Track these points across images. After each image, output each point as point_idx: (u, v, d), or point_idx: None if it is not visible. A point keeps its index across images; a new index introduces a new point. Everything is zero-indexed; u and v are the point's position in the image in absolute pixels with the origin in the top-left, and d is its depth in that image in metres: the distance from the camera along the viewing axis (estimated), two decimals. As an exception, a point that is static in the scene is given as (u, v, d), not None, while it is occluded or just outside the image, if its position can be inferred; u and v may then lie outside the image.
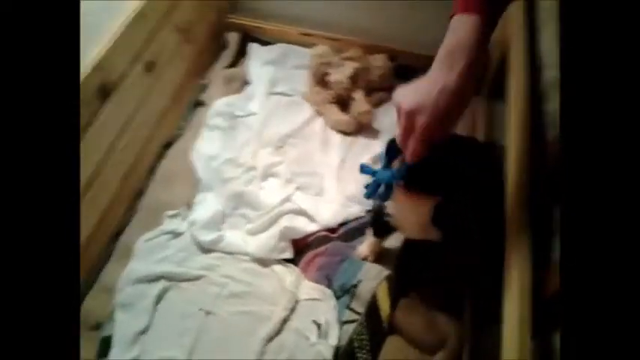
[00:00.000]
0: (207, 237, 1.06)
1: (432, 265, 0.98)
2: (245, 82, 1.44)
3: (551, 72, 0.87)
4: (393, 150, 0.71)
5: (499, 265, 0.71)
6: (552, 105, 0.82)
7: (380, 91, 1.37)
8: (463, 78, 0.57)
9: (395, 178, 0.72)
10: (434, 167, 0.68)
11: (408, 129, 0.62)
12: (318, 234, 1.08)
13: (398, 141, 0.66)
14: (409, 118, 0.60)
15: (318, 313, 0.97)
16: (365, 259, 1.04)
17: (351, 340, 0.93)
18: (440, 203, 0.74)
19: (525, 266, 0.65)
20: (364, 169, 0.76)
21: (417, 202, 0.76)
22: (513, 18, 1.05)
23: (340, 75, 1.29)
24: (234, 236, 1.08)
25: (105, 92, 1.01)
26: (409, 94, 0.60)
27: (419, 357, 0.91)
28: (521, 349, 0.59)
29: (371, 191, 0.75)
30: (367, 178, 0.76)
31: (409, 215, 0.82)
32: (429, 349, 0.91)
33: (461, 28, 0.58)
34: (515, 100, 0.87)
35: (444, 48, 0.59)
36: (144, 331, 0.96)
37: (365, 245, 1.04)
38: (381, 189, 0.74)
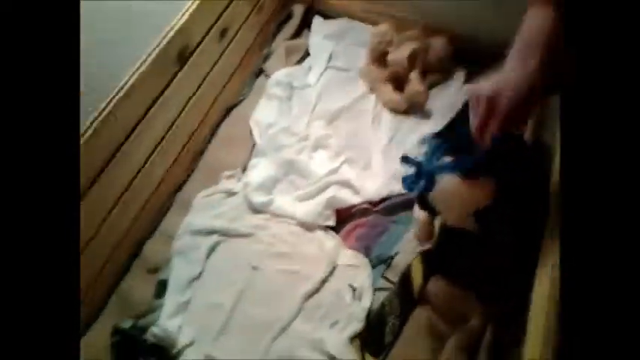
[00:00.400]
0: (259, 199, 1.15)
1: (465, 255, 1.02)
2: (306, 55, 1.50)
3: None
4: (440, 144, 0.75)
5: (528, 270, 0.74)
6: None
7: (436, 74, 1.39)
8: (539, 68, 0.59)
9: (456, 167, 0.75)
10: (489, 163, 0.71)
11: (486, 116, 0.65)
12: (360, 206, 1.14)
13: (473, 130, 0.69)
14: (489, 103, 0.63)
15: (354, 278, 1.04)
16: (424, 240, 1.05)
17: (382, 305, 1.00)
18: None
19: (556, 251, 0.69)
20: (408, 160, 0.79)
21: (469, 190, 0.79)
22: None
23: (399, 54, 1.32)
24: (284, 201, 1.16)
25: (183, 57, 1.11)
26: (486, 84, 0.64)
27: (443, 328, 0.97)
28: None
29: (411, 182, 0.79)
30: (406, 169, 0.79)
31: (455, 202, 0.85)
32: (454, 322, 0.96)
33: (535, 20, 0.60)
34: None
35: (520, 41, 0.61)
36: (196, 278, 1.06)
37: (420, 228, 1.05)
38: (422, 181, 0.78)
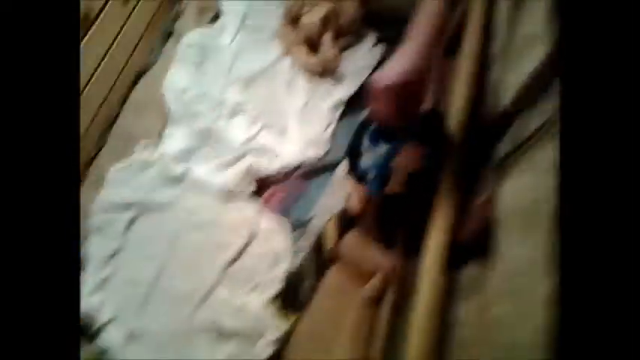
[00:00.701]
0: (176, 169, 1.13)
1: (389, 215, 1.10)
2: (218, 14, 1.45)
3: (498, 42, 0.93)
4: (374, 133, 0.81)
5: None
6: (495, 74, 0.89)
7: (347, 35, 1.41)
8: (425, 48, 0.65)
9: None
10: None
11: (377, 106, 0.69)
12: (279, 172, 1.17)
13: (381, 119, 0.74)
14: (389, 92, 0.67)
15: (275, 242, 1.08)
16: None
17: (300, 266, 1.05)
18: None
19: (450, 212, 0.76)
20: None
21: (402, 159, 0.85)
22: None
23: (311, 18, 1.32)
24: (202, 170, 1.16)
25: (86, 24, 1.04)
26: (383, 74, 0.67)
27: (355, 283, 1.04)
28: (436, 281, 0.71)
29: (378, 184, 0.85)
30: None
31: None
32: (364, 277, 1.04)
33: (425, 12, 0.66)
34: (464, 66, 0.94)
35: (411, 31, 0.66)
36: (115, 254, 1.05)
37: (353, 197, 1.08)
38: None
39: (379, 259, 1.06)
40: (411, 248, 1.05)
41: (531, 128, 0.61)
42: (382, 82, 0.66)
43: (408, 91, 0.66)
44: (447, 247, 0.74)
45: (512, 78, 0.71)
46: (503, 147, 0.71)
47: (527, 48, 0.67)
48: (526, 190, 0.52)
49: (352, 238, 1.09)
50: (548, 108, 0.60)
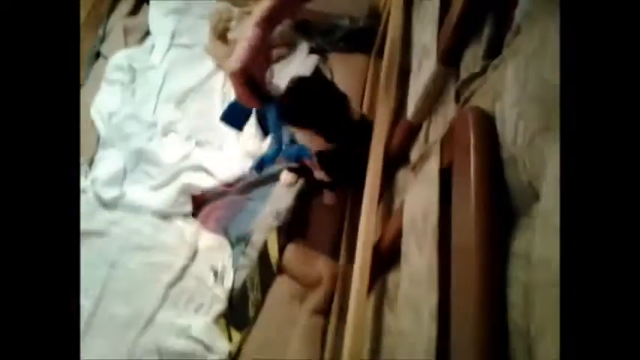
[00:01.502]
0: (109, 194, 1.12)
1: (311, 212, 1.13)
2: (147, 33, 1.44)
3: (418, 44, 0.97)
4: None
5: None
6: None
7: (280, 47, 1.43)
8: (256, 26, 0.74)
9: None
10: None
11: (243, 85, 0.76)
12: (216, 188, 1.18)
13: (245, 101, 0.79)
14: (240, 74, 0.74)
15: (216, 260, 1.09)
16: (291, 184, 1.15)
17: (244, 282, 1.06)
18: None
19: (372, 221, 0.79)
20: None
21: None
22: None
23: (239, 32, 1.33)
24: (136, 192, 1.15)
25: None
26: (228, 63, 0.75)
27: (301, 293, 1.06)
28: (362, 287, 0.73)
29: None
30: None
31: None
32: (310, 287, 1.06)
33: None
34: (387, 61, 0.98)
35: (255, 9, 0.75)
36: (51, 284, 1.03)
37: (286, 174, 1.16)
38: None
39: (322, 266, 1.08)
40: (351, 253, 1.09)
41: (430, 140, 0.65)
42: (229, 70, 0.75)
43: (249, 70, 0.75)
44: (371, 252, 0.77)
45: (413, 87, 0.75)
46: (412, 156, 0.75)
47: (424, 59, 0.70)
48: (419, 201, 0.55)
49: (295, 247, 1.11)
50: (440, 122, 0.64)
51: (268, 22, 0.76)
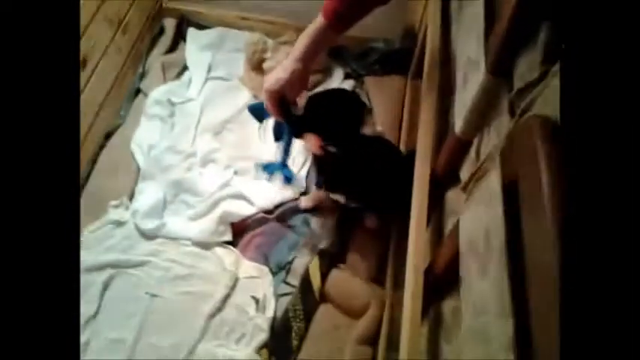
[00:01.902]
0: (149, 225, 1.12)
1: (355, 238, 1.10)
2: (184, 68, 1.47)
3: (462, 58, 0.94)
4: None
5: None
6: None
7: (315, 73, 1.43)
8: (297, 61, 0.84)
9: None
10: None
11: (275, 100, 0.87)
12: (255, 216, 1.16)
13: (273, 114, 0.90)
14: (274, 93, 0.86)
15: (256, 289, 1.06)
16: (307, 210, 1.15)
17: (286, 311, 1.03)
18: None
19: (422, 245, 0.75)
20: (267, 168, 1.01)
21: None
22: (431, 7, 1.11)
23: (274, 62, 1.34)
24: (176, 222, 1.14)
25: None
26: (265, 81, 0.87)
27: (347, 322, 1.02)
28: (414, 317, 0.69)
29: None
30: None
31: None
32: (355, 315, 1.02)
33: (312, 26, 0.83)
34: (427, 80, 0.95)
35: (300, 39, 0.85)
36: (93, 317, 1.02)
37: (308, 196, 1.17)
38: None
39: (368, 293, 1.04)
40: (398, 279, 1.05)
41: (482, 156, 0.61)
42: (265, 86, 0.86)
43: (282, 91, 0.86)
44: (423, 281, 0.72)
45: (460, 101, 0.71)
46: (463, 174, 0.71)
47: (470, 72, 0.67)
48: (479, 221, 0.52)
49: (338, 275, 1.08)
50: (494, 136, 0.60)
51: (308, 57, 0.85)
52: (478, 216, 0.52)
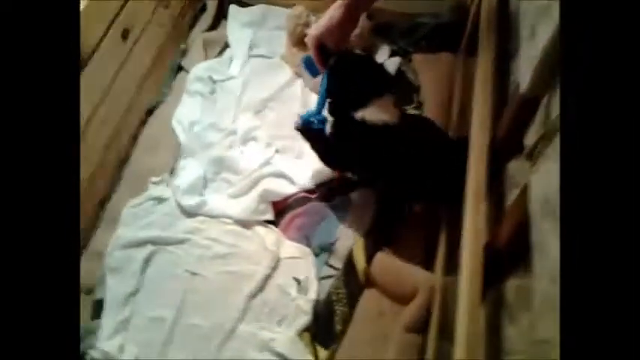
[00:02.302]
0: (190, 202, 1.09)
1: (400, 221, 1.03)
2: (225, 45, 1.44)
3: (516, 30, 0.87)
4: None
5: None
6: (516, 62, 0.83)
7: (359, 49, 1.37)
8: (338, 8, 0.88)
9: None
10: None
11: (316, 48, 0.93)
12: (297, 195, 1.11)
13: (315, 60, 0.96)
14: (316, 40, 0.91)
15: (298, 270, 1.02)
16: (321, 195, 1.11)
17: (329, 294, 0.98)
18: None
19: (480, 220, 0.69)
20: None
21: None
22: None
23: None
24: (217, 200, 1.11)
25: (80, 63, 1.02)
26: (311, 29, 0.93)
27: (393, 308, 0.96)
28: (474, 299, 0.62)
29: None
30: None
31: None
32: (402, 300, 0.96)
33: None
34: (482, 58, 0.88)
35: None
36: (134, 293, 1.01)
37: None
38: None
39: (417, 278, 0.98)
40: (450, 262, 0.98)
41: (553, 114, 0.54)
42: (309, 34, 0.92)
43: (323, 40, 0.90)
44: (483, 258, 0.65)
45: (526, 57, 0.64)
46: (530, 137, 0.63)
47: (539, 21, 0.60)
48: (555, 179, 0.44)
49: (384, 258, 1.02)
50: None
51: (351, 4, 0.88)
52: (553, 174, 0.45)
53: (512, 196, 0.71)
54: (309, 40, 0.90)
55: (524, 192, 0.54)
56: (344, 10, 0.87)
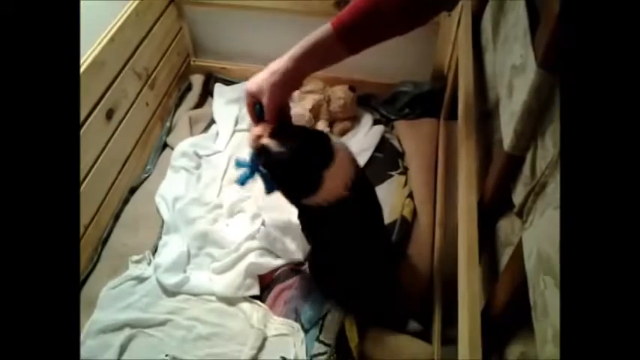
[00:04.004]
0: (171, 280, 1.04)
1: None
2: (211, 122, 1.46)
3: (493, 92, 0.88)
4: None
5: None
6: (498, 121, 0.83)
7: (343, 120, 1.39)
8: (294, 62, 0.72)
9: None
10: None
11: (249, 105, 0.79)
12: (284, 268, 1.07)
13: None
14: (250, 96, 0.78)
15: (287, 349, 0.95)
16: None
17: (321, 374, 0.91)
18: None
19: (476, 284, 0.65)
20: (240, 164, 0.84)
21: None
22: (461, 42, 1.07)
23: (301, 109, 1.31)
24: (200, 277, 1.06)
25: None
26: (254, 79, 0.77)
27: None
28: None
29: (245, 178, 0.84)
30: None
31: None
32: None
33: (316, 31, 0.72)
34: (463, 120, 0.88)
35: (302, 41, 0.73)
36: (108, 383, 0.93)
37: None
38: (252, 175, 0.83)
39: (414, 349, 0.91)
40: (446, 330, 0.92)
41: (538, 172, 0.53)
42: (244, 88, 0.79)
43: (262, 96, 0.76)
44: (479, 323, 0.61)
45: (506, 115, 0.64)
46: (518, 194, 0.61)
47: (516, 78, 0.60)
48: (554, 227, 0.42)
49: (377, 331, 0.96)
50: (549, 145, 0.52)
51: (303, 60, 0.73)
52: (547, 225, 0.43)
53: (504, 255, 0.67)
54: (244, 95, 0.78)
55: (516, 254, 0.51)
56: (295, 64, 0.72)
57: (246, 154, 1.31)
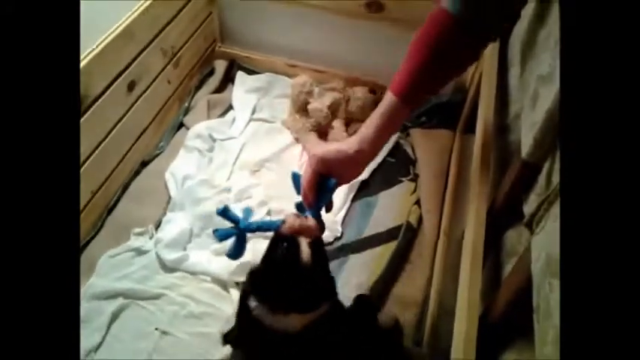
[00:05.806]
0: (170, 255, 1.04)
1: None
2: (229, 108, 1.47)
3: (515, 106, 0.88)
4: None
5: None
6: (515, 136, 0.83)
7: (359, 122, 1.39)
8: (370, 146, 0.68)
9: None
10: None
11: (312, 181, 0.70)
12: (284, 257, 1.06)
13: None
14: (314, 162, 0.69)
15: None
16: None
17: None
18: None
19: (475, 288, 0.64)
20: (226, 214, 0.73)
21: None
22: (487, 58, 1.07)
23: (320, 104, 1.31)
24: (199, 256, 1.06)
25: (84, 104, 1.02)
26: (324, 145, 0.70)
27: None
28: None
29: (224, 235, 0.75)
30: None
31: None
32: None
33: (381, 105, 0.67)
34: (481, 134, 0.88)
35: (368, 119, 0.68)
36: (96, 349, 0.92)
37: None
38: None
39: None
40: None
41: (554, 179, 0.52)
42: (311, 151, 0.70)
43: (328, 171, 0.69)
44: (477, 326, 0.60)
45: (528, 123, 0.63)
46: (530, 205, 0.61)
47: (542, 87, 0.60)
48: (555, 245, 0.42)
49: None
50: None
51: (378, 140, 0.69)
52: (554, 240, 0.42)
53: (508, 265, 0.67)
54: (307, 169, 0.69)
55: (523, 259, 0.51)
56: (370, 147, 0.66)
57: (260, 143, 1.33)
